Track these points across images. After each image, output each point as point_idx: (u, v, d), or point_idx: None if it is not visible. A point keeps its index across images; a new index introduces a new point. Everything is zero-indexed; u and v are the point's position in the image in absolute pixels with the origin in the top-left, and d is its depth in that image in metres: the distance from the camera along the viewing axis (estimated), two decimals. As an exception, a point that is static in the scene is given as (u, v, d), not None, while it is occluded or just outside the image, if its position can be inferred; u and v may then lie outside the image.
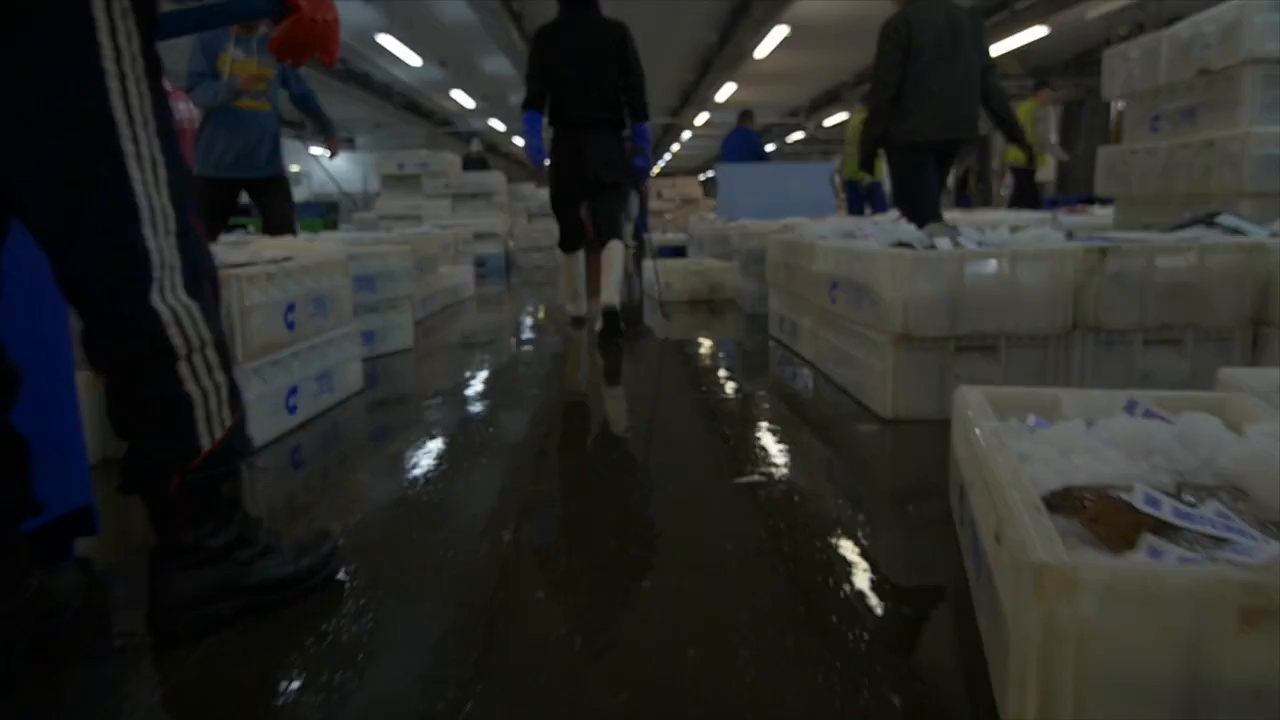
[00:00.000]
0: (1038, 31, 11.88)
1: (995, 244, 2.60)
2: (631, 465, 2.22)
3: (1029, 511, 1.00)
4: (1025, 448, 1.28)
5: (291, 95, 4.67)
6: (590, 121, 4.30)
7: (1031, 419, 1.50)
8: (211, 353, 1.20)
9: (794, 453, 2.24)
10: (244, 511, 1.31)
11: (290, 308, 2.49)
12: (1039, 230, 2.82)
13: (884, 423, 2.43)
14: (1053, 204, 13.87)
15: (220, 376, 1.21)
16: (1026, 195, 8.70)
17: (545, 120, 4.40)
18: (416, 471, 2.15)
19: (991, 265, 2.38)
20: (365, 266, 3.69)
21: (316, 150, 19.92)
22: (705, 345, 4.22)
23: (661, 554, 1.60)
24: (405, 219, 9.29)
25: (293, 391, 2.50)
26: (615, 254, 4.41)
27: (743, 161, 8.93)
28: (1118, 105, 16.74)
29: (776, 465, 2.10)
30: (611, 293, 4.25)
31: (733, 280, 5.56)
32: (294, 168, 23.13)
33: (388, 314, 3.84)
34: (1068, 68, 15.89)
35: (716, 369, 3.61)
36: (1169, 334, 2.43)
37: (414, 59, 14.02)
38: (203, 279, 1.22)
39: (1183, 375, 2.44)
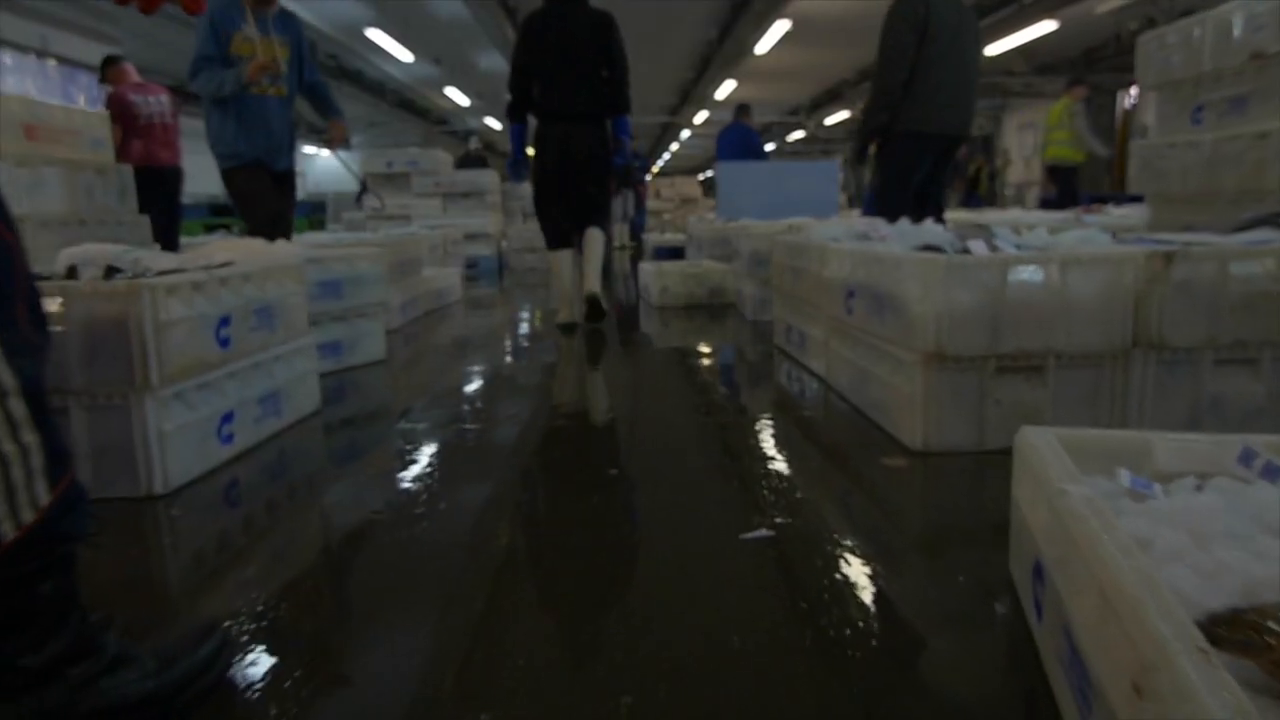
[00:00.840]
0: (1046, 26, 11.54)
1: (1037, 247, 2.26)
2: (620, 516, 1.89)
3: (1190, 655, 0.67)
4: (1142, 528, 0.94)
5: (302, 83, 4.04)
6: (575, 114, 4.23)
7: (1125, 476, 1.17)
8: (16, 404, 0.87)
9: (808, 495, 1.90)
10: (82, 613, 0.97)
11: (224, 321, 2.15)
12: (1083, 232, 2.48)
13: (912, 455, 2.09)
14: (1044, 204, 13.56)
15: (29, 437, 0.87)
16: (1070, 194, 8.32)
17: (530, 113, 4.36)
18: (371, 509, 1.81)
19: (1038, 272, 2.04)
20: (331, 271, 3.35)
21: (309, 149, 19.59)
22: (705, 357, 3.88)
23: (647, 667, 1.27)
24: (395, 219, 8.96)
25: (227, 418, 2.16)
26: (596, 241, 4.47)
27: (739, 159, 8.59)
28: (1124, 102, 16.50)
29: (789, 513, 1.77)
30: (593, 280, 4.43)
31: (734, 284, 5.22)
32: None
33: (357, 323, 3.50)
34: (1074, 65, 15.53)
35: (717, 386, 3.27)
36: (1243, 352, 2.09)
37: (406, 55, 13.66)
38: (8, 300, 0.88)
39: (1257, 400, 2.10)
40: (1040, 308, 2.04)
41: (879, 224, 3.26)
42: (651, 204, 14.65)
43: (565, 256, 4.53)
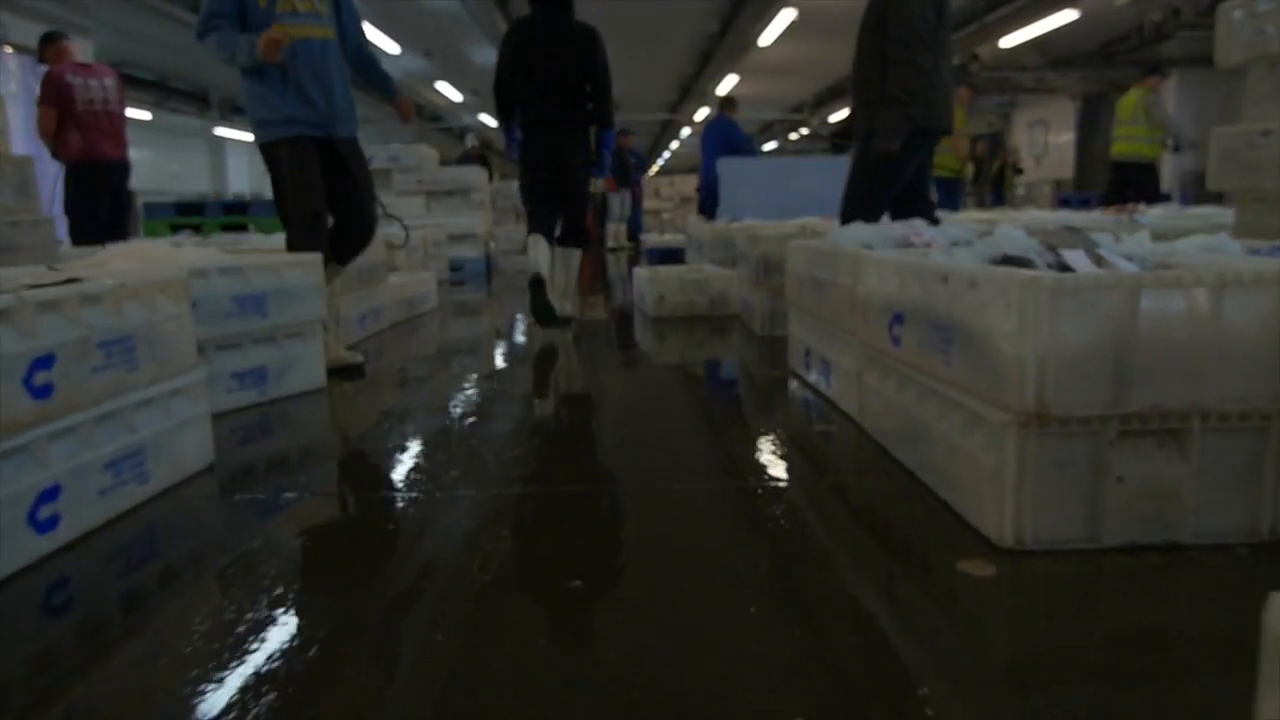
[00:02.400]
0: (1066, 16, 10.93)
1: (1156, 260, 1.67)
2: (595, 679, 1.29)
3: None
4: None
5: (346, 50, 3.25)
6: (558, 121, 4.28)
7: None
8: None
9: (856, 638, 1.30)
10: None
11: (41, 362, 1.55)
12: (1206, 239, 1.88)
13: (997, 554, 1.49)
14: (1064, 203, 12.96)
15: None
16: (1149, 191, 7.55)
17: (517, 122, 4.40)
18: (258, 617, 1.22)
19: (1179, 298, 1.44)
20: (251, 283, 2.75)
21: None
22: (709, 386, 3.29)
23: None
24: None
25: (47, 495, 1.56)
26: (571, 262, 4.62)
27: (722, 155, 8.02)
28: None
29: (827, 671, 1.17)
30: (565, 304, 4.54)
31: (739, 293, 4.62)
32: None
33: (287, 344, 2.89)
34: (1090, 59, 14.93)
35: (721, 428, 2.67)
36: None
37: (392, 46, 13.06)
38: None
39: None
40: (1183, 348, 1.44)
41: (918, 225, 2.67)
42: (651, 203, 14.10)
43: (541, 244, 4.38)
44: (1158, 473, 1.47)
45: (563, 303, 4.53)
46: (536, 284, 4.19)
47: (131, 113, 15.00)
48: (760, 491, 1.92)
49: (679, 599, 1.39)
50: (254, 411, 2.72)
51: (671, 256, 7.75)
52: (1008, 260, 1.72)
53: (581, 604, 1.39)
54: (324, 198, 3.17)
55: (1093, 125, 18.26)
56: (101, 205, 5.70)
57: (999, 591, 1.41)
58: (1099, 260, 1.67)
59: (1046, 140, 18.43)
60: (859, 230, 2.67)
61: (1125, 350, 1.43)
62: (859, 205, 3.33)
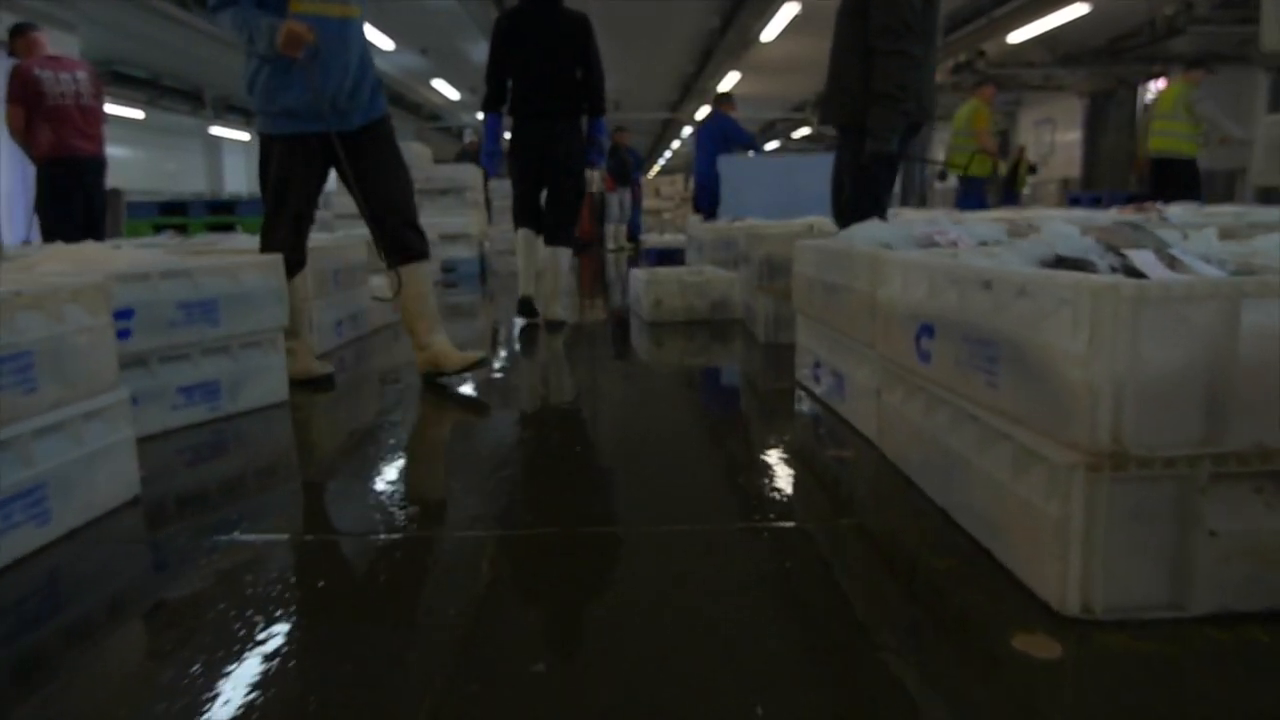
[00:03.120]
0: (1078, 10, 10.63)
1: (1236, 261, 1.39)
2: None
3: None
4: None
5: None
6: (552, 112, 4.22)
7: None
8: None
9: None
10: None
11: (-105, 388, 1.28)
12: (1290, 236, 1.60)
13: (1060, 624, 1.21)
14: (1074, 202, 12.66)
15: None
16: (1191, 189, 7.12)
17: (506, 110, 4.33)
18: (175, 684, 0.95)
19: (1287, 310, 1.16)
20: (200, 288, 2.48)
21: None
22: (707, 398, 3.02)
23: None
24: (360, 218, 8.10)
25: (-96, 549, 1.29)
26: (560, 261, 4.44)
27: (719, 152, 7.75)
28: (1146, 96, 15.61)
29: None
30: (555, 306, 4.48)
31: (741, 296, 4.34)
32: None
33: (244, 355, 2.62)
34: (1098, 55, 14.63)
35: (722, 452, 2.40)
36: None
37: (386, 42, 12.79)
38: None
39: None
40: (1291, 371, 1.16)
41: (942, 221, 2.40)
42: (651, 202, 13.80)
43: (528, 237, 4.44)
44: (1259, 526, 1.19)
45: (550, 305, 4.48)
46: (525, 308, 4.47)
47: (124, 111, 14.85)
48: (767, 535, 1.64)
49: (662, 691, 1.12)
50: (203, 430, 2.45)
51: (671, 257, 7.47)
52: (1062, 263, 1.45)
53: (541, 699, 1.11)
54: (313, 197, 2.95)
55: (1101, 123, 17.98)
56: (75, 203, 5.43)
57: (1063, 676, 1.14)
58: (1171, 262, 1.39)
59: (1053, 139, 18.15)
60: (874, 228, 2.39)
61: (1221, 375, 1.15)
62: (867, 211, 3.05)
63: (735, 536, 1.64)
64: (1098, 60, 14.66)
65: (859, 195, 3.19)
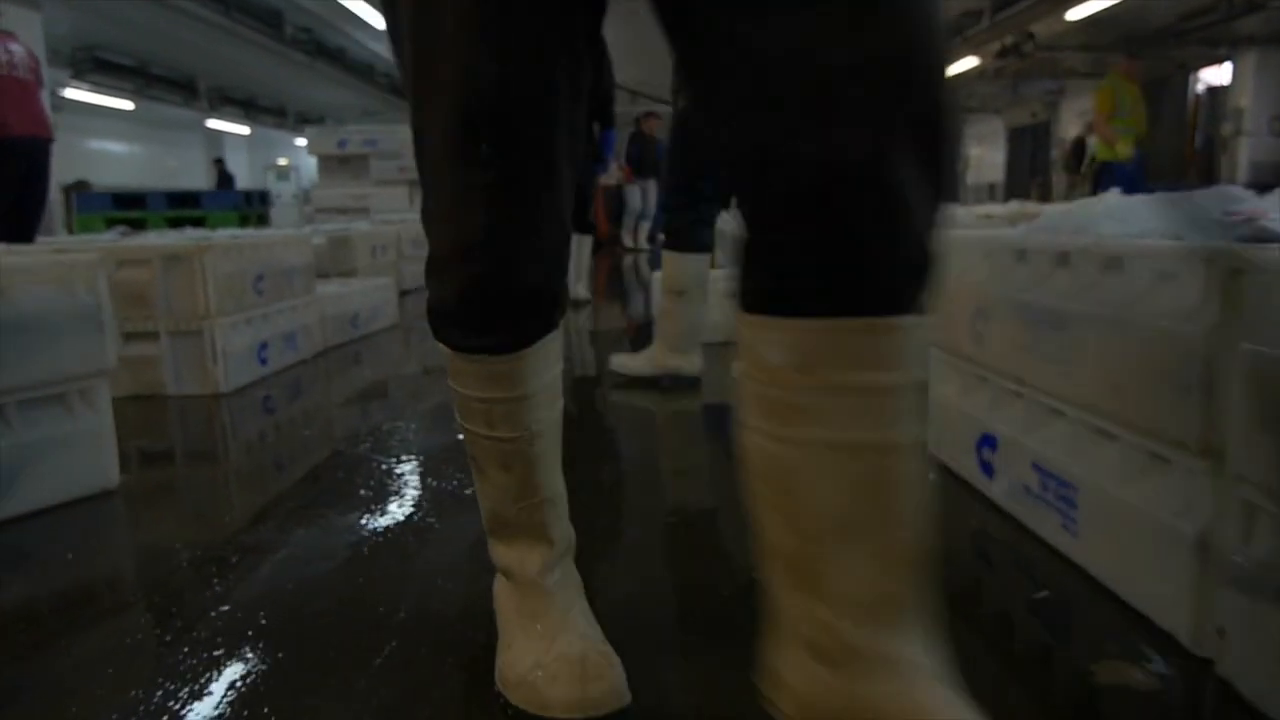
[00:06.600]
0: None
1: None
2: None
3: None
4: None
5: None
6: None
7: None
8: None
9: None
10: None
11: None
12: None
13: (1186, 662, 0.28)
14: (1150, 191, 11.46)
15: None
16: None
17: None
18: None
19: None
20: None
21: (300, 141, 17.98)
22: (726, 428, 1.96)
23: None
24: (349, 211, 7.16)
25: None
26: (584, 249, 4.72)
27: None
28: (1196, 87, 14.39)
29: None
30: (579, 287, 4.64)
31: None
32: (281, 161, 21.10)
33: (29, 420, 1.62)
34: (1158, 37, 13.42)
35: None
36: None
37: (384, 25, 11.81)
38: None
39: None
40: None
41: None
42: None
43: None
44: None
45: (575, 286, 4.54)
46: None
47: (111, 101, 13.94)
48: None
49: None
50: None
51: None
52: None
53: None
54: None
55: (1153, 114, 16.70)
56: (6, 190, 4.49)
57: None
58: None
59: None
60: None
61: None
62: None
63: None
64: (1158, 43, 13.45)
65: None
